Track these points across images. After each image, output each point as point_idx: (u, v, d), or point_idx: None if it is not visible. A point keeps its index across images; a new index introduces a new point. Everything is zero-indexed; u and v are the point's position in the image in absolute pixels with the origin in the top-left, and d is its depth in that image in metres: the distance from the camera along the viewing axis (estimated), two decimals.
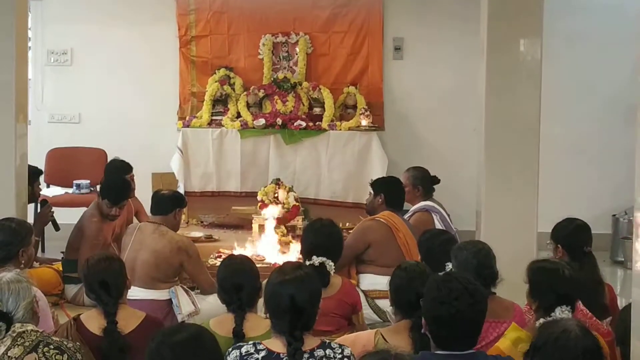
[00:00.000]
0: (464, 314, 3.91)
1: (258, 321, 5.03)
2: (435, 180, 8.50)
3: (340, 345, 4.24)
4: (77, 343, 4.76)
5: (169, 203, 7.19)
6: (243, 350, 4.14)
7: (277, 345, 4.14)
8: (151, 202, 7.30)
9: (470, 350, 3.95)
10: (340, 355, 4.17)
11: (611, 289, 5.98)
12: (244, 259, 5.44)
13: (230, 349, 4.17)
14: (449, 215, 8.34)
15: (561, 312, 4.59)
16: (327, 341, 4.25)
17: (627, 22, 9.47)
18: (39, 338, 4.42)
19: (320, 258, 5.90)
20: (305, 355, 4.11)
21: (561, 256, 5.89)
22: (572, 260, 5.82)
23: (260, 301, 5.82)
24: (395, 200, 7.50)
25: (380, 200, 7.53)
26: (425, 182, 8.43)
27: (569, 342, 3.61)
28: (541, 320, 4.60)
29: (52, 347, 4.39)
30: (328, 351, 4.16)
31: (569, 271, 4.76)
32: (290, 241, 8.36)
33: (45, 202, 8.23)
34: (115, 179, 8.21)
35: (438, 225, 8.11)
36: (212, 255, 8.02)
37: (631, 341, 3.98)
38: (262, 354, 4.12)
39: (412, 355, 3.53)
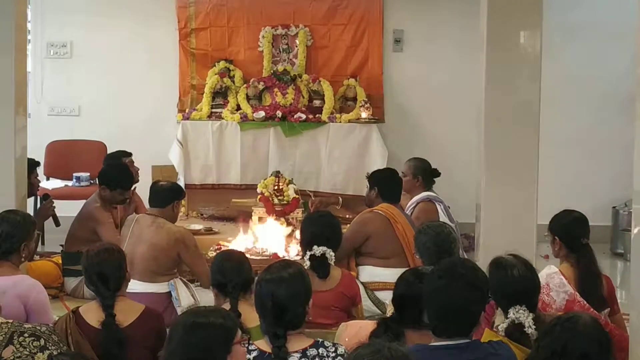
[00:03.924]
0: (465, 303, 3.90)
1: (251, 312, 5.06)
2: (436, 173, 8.51)
3: (334, 344, 4.22)
4: (51, 325, 4.76)
5: (167, 195, 7.18)
6: None
7: (267, 345, 4.13)
8: (149, 194, 7.30)
9: (466, 338, 3.93)
10: (334, 354, 4.14)
11: (609, 281, 5.96)
12: (234, 254, 5.51)
13: None
14: (448, 207, 8.37)
15: (515, 312, 4.55)
16: (320, 340, 4.23)
17: (626, 15, 9.42)
18: (11, 328, 4.40)
19: (321, 248, 5.92)
20: (298, 355, 4.09)
21: (559, 248, 5.89)
22: (569, 252, 5.83)
23: None
24: (389, 193, 7.49)
25: (374, 193, 7.54)
26: (425, 173, 8.45)
27: (577, 326, 3.61)
28: (501, 325, 4.59)
29: (27, 335, 4.37)
30: (321, 350, 4.14)
31: (519, 270, 4.69)
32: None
33: (47, 197, 8.23)
34: (114, 165, 8.37)
35: (442, 214, 8.14)
36: (211, 248, 8.01)
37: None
38: (254, 354, 4.12)
39: (407, 347, 3.52)
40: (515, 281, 4.67)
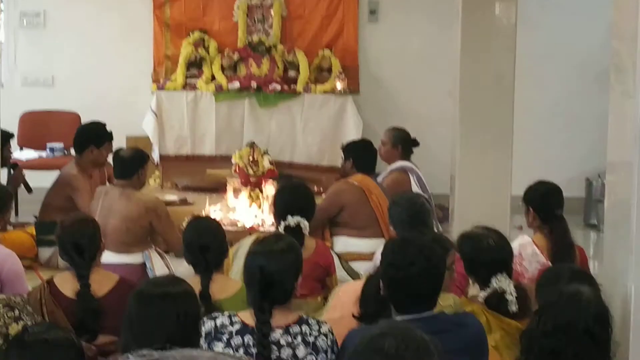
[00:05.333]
0: (420, 279, 3.86)
1: (226, 282, 5.06)
2: (415, 143, 8.56)
3: (318, 322, 4.16)
4: (25, 295, 4.75)
5: (130, 166, 7.09)
6: (218, 322, 4.09)
7: (251, 318, 4.07)
8: (113, 165, 7.26)
9: (429, 311, 3.92)
10: (317, 332, 4.08)
11: (582, 252, 6.02)
12: (210, 220, 5.48)
13: (205, 318, 4.10)
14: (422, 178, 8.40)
15: (497, 282, 4.62)
16: (305, 317, 4.17)
17: None
18: None
19: (295, 218, 5.92)
20: (280, 331, 4.03)
21: (532, 219, 5.93)
22: (543, 223, 5.87)
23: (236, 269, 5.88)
24: (364, 164, 7.51)
25: (349, 164, 7.55)
26: (405, 142, 8.49)
27: (581, 301, 3.61)
28: (482, 293, 4.65)
29: (0, 305, 4.35)
30: (304, 327, 4.07)
31: (493, 238, 4.78)
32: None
33: (15, 165, 8.25)
34: (90, 123, 8.36)
35: (414, 185, 8.16)
36: (186, 219, 7.99)
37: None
38: (237, 327, 4.06)
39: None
40: (493, 250, 4.72)
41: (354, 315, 4.46)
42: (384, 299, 4.04)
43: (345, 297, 4.71)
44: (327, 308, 4.89)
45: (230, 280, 5.25)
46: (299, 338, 4.05)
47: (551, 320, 3.58)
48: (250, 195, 8.36)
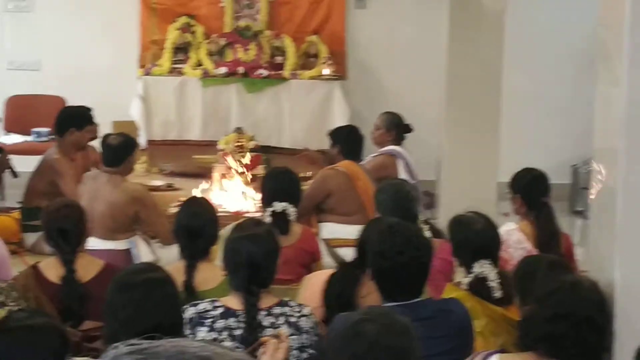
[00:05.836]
0: (408, 267, 3.91)
1: (211, 271, 5.02)
2: (408, 129, 8.58)
3: (299, 304, 4.23)
4: (10, 281, 4.74)
5: (118, 153, 7.05)
6: (200, 307, 4.12)
7: (234, 302, 4.11)
8: (102, 152, 7.22)
9: (417, 298, 3.95)
10: (298, 313, 4.14)
11: (568, 239, 6.04)
12: (205, 203, 5.46)
13: (187, 306, 4.12)
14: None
15: (480, 267, 4.63)
16: (286, 299, 4.23)
17: None
18: None
19: (282, 204, 5.93)
20: (263, 313, 4.07)
21: (519, 206, 5.94)
22: (529, 210, 5.89)
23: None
24: (351, 150, 7.51)
25: (336, 150, 7.56)
26: (399, 127, 8.51)
27: (582, 291, 3.63)
28: (465, 279, 4.66)
29: None
30: (286, 309, 4.13)
31: (482, 224, 4.80)
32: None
33: (1, 150, 8.23)
34: (71, 106, 8.51)
35: (402, 171, 8.17)
36: (172, 204, 7.99)
37: None
38: (219, 311, 4.10)
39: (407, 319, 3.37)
40: (479, 236, 4.74)
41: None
42: (345, 300, 4.09)
43: (317, 286, 4.72)
44: (300, 297, 4.89)
45: (216, 269, 5.21)
46: (282, 319, 4.10)
47: (552, 307, 3.60)
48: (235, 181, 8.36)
